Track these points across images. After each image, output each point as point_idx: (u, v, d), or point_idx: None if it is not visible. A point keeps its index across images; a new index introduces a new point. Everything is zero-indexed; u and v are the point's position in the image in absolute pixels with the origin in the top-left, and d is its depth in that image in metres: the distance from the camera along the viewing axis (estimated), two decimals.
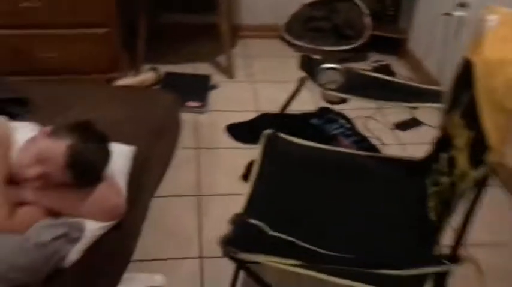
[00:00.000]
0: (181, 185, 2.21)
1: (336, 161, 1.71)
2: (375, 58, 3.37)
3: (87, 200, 1.43)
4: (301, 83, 1.71)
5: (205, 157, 2.40)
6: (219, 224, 1.89)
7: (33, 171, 1.37)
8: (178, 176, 2.23)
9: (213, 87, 2.94)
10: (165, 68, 3.00)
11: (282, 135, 1.78)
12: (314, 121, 2.53)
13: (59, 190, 1.43)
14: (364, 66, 3.26)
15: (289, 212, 1.45)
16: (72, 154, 1.36)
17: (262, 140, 1.75)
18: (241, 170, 2.32)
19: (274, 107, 2.84)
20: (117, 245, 1.59)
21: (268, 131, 1.78)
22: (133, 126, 1.97)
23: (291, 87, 2.95)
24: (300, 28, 3.51)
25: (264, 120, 2.62)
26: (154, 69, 2.91)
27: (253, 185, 1.56)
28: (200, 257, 1.90)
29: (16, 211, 1.38)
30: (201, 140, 2.51)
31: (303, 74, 1.68)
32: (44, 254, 1.28)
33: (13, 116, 1.90)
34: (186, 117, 2.32)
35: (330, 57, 3.23)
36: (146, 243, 1.81)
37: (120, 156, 1.60)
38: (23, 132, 1.53)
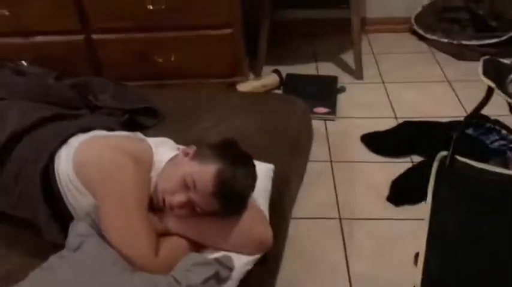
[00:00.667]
0: (317, 205, 1.96)
1: None
2: None
3: (233, 231, 1.24)
4: (489, 93, 1.38)
5: (340, 172, 2.12)
6: (367, 256, 1.74)
7: (179, 198, 1.21)
8: (312, 195, 1.98)
9: (341, 89, 2.65)
10: (286, 70, 2.77)
11: (459, 158, 1.46)
12: (469, 131, 2.15)
13: (203, 220, 1.25)
14: None
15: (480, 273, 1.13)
16: (222, 181, 1.19)
17: (435, 165, 1.44)
18: (383, 188, 2.02)
19: (413, 113, 2.55)
20: (261, 283, 1.38)
21: (443, 153, 1.46)
22: (267, 139, 1.76)
23: (428, 88, 2.61)
24: (433, 20, 3.09)
25: (407, 129, 2.29)
26: (276, 71, 2.68)
27: (430, 224, 1.26)
28: None
29: (160, 244, 1.22)
30: (333, 152, 2.24)
31: (487, 81, 1.34)
32: None
33: (144, 128, 1.78)
34: (314, 125, 2.06)
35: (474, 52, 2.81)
36: (286, 274, 1.59)
37: (260, 177, 1.38)
38: (162, 152, 1.37)
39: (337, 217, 1.92)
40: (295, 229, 1.75)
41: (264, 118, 1.87)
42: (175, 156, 1.33)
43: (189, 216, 1.25)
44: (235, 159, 1.24)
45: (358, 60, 2.72)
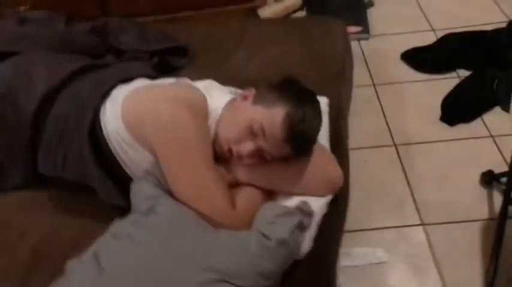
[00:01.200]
0: (369, 133, 1.86)
1: None
2: None
3: (305, 173, 1.15)
4: None
5: (386, 95, 2.00)
6: (430, 181, 1.67)
7: (248, 147, 1.11)
8: (362, 122, 1.87)
9: (369, 4, 2.45)
10: None
11: None
12: None
13: (274, 166, 1.15)
14: None
15: None
16: (292, 125, 1.08)
17: None
18: (433, 108, 1.91)
19: (450, 23, 2.34)
20: (334, 225, 1.30)
21: None
22: (312, 68, 1.61)
23: None
24: None
25: (450, 43, 2.14)
26: None
27: None
28: (422, 224, 1.58)
29: (234, 196, 1.12)
30: (374, 75, 2.10)
31: None
32: (288, 252, 1.05)
33: (176, 69, 1.63)
34: None
35: None
36: (351, 211, 1.52)
37: None
38: (215, 97, 1.23)
39: (392, 143, 1.83)
40: (351, 161, 1.66)
41: (303, 45, 1.71)
42: (233, 101, 1.20)
43: (259, 164, 1.15)
44: (301, 99, 1.13)
45: None
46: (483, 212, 1.59)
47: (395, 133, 1.86)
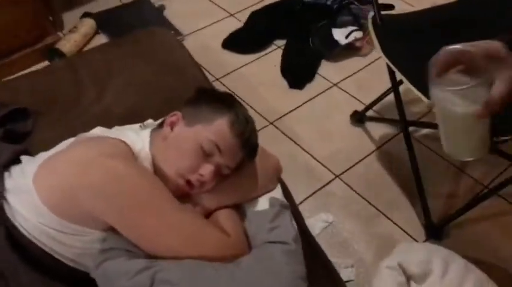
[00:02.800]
0: None
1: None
2: None
3: (259, 173, 1.15)
4: None
5: (233, 85, 2.06)
6: (317, 140, 1.83)
7: (207, 169, 1.03)
8: None
9: (161, 8, 2.43)
10: (93, 9, 2.36)
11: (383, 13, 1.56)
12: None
13: (232, 180, 1.12)
14: None
15: None
16: (241, 130, 1.06)
17: (370, 27, 1.51)
18: (278, 80, 2.06)
19: (240, 5, 2.57)
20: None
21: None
22: (176, 78, 1.56)
23: None
24: None
25: (257, 19, 2.30)
26: (87, 14, 2.26)
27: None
28: (336, 176, 1.71)
29: (217, 225, 1.06)
30: (212, 70, 2.10)
31: None
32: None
33: (24, 135, 1.36)
34: None
35: None
36: None
37: None
38: (130, 137, 1.09)
39: (268, 123, 1.92)
40: None
41: (146, 61, 1.61)
42: (157, 134, 1.09)
43: (217, 184, 1.08)
44: (230, 104, 1.10)
45: None
46: (371, 145, 1.83)
47: (264, 113, 1.94)
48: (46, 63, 2.08)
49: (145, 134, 1.08)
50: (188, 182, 1.02)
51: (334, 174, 1.73)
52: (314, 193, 1.68)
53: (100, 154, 0.95)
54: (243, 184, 1.11)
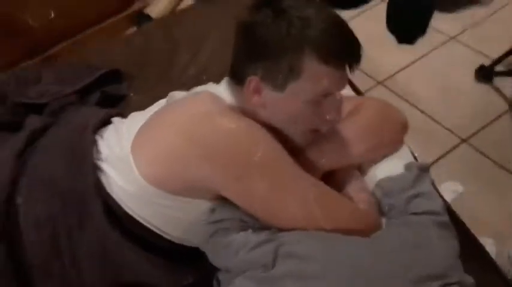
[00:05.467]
0: None
1: None
2: None
3: (386, 126, 0.94)
4: None
5: None
6: (436, 97, 1.52)
7: (332, 113, 0.82)
8: None
9: None
10: None
11: None
12: None
13: (352, 128, 0.90)
14: None
15: None
16: (333, 51, 0.78)
17: None
18: (385, 36, 1.83)
19: None
20: None
21: None
22: None
23: None
24: None
25: None
26: None
27: None
28: (463, 141, 1.47)
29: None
30: None
31: None
32: None
33: (121, 98, 1.25)
34: None
35: None
36: None
37: None
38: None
39: (376, 83, 1.69)
40: None
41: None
42: (241, 94, 0.84)
43: (334, 141, 0.89)
44: (293, 30, 0.78)
45: None
46: (503, 103, 1.55)
47: (371, 73, 1.72)
48: (135, 29, 2.01)
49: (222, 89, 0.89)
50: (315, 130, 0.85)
51: (460, 138, 1.49)
52: (437, 160, 1.45)
53: (205, 112, 0.80)
54: (367, 134, 0.90)
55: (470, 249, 0.95)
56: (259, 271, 0.76)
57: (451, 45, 1.78)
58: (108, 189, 0.83)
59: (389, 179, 0.90)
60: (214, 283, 0.84)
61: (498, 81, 1.62)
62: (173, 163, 0.79)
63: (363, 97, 1.17)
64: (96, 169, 0.83)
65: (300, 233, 0.78)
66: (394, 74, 1.71)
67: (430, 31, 1.85)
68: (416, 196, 0.86)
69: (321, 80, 0.78)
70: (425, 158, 1.43)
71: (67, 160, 0.87)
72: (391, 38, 1.85)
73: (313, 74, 0.77)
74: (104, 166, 0.84)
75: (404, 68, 1.73)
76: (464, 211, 1.32)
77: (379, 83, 1.69)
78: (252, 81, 0.80)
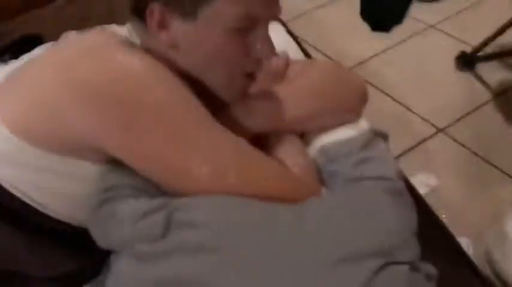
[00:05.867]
0: None
1: None
2: None
3: (340, 93, 0.77)
4: None
5: (309, 32, 1.68)
6: (414, 86, 1.36)
7: (264, 49, 0.65)
8: None
9: None
10: None
11: None
12: None
13: (292, 87, 0.74)
14: None
15: None
16: None
17: None
18: (355, 24, 1.67)
19: None
20: None
21: None
22: None
23: None
24: None
25: None
26: None
27: None
28: (439, 130, 1.29)
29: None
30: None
31: None
32: None
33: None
34: None
35: None
36: None
37: None
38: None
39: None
40: None
41: None
42: (146, 33, 0.66)
43: (271, 99, 0.71)
44: None
45: None
46: (486, 92, 1.39)
47: (340, 58, 1.55)
48: None
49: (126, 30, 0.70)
50: (249, 74, 0.67)
51: (436, 127, 1.31)
52: (410, 149, 1.26)
53: (90, 45, 0.62)
54: (308, 98, 0.72)
55: (443, 243, 0.78)
56: (145, 246, 0.57)
57: (430, 33, 1.62)
58: None
59: (335, 144, 0.72)
60: (104, 268, 0.65)
61: (480, 68, 1.45)
62: (45, 108, 0.59)
63: (314, 60, 1.00)
64: None
65: (203, 198, 0.58)
66: (364, 61, 1.54)
67: (407, 19, 1.70)
68: (364, 160, 0.67)
69: None
70: (396, 148, 1.25)
71: None
72: (363, 26, 1.70)
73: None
74: None
75: (376, 55, 1.56)
76: (439, 205, 1.14)
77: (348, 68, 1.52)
78: (154, 11, 0.61)
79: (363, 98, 0.81)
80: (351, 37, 1.63)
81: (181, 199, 0.58)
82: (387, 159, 0.70)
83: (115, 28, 0.71)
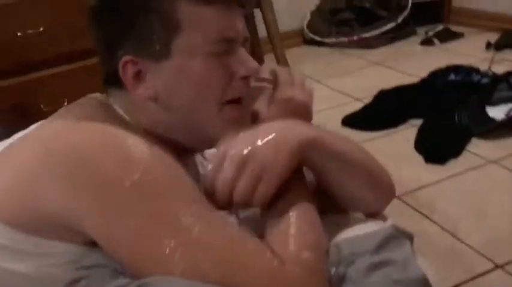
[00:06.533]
0: None
1: None
2: (424, 29, 2.87)
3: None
4: None
5: None
6: (469, 220, 1.25)
7: (247, 62, 0.67)
8: None
9: None
10: None
11: None
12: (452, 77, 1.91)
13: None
14: (415, 40, 2.78)
15: None
16: None
17: None
18: (411, 155, 1.60)
19: (368, 92, 2.16)
20: None
21: None
22: None
23: (362, 73, 2.41)
24: (325, 24, 2.96)
25: (388, 97, 1.95)
26: None
27: None
28: (497, 266, 1.09)
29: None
30: None
31: None
32: None
33: None
34: None
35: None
36: None
37: None
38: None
39: None
40: None
41: None
42: (125, 99, 0.67)
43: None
44: None
45: (286, 66, 2.36)
46: None
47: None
48: None
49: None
50: (232, 101, 0.65)
51: (494, 263, 1.11)
52: (462, 283, 1.07)
53: (69, 122, 0.62)
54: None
55: None
56: None
57: (490, 167, 1.49)
58: None
59: (350, 240, 0.63)
60: None
61: None
62: (23, 183, 0.58)
63: None
64: None
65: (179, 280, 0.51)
66: (416, 190, 1.42)
67: (465, 153, 1.60)
68: (383, 264, 0.58)
69: (208, 22, 0.60)
70: (446, 281, 1.07)
71: None
72: (416, 157, 1.61)
73: (194, 18, 0.60)
74: None
75: (427, 185, 1.44)
76: None
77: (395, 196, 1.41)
78: (127, 63, 0.62)
79: (392, 191, 0.76)
80: (405, 167, 1.55)
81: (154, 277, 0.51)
82: (412, 263, 0.59)
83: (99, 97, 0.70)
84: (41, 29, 1.61)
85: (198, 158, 0.78)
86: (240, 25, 0.64)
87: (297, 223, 0.60)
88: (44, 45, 1.62)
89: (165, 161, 0.57)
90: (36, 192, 0.56)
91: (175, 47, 0.60)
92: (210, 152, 0.78)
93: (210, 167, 0.61)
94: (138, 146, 0.56)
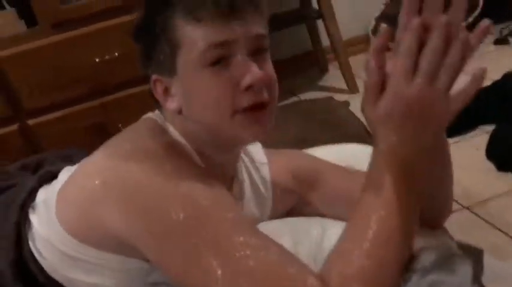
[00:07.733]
0: None
1: None
2: (498, 27, 2.73)
3: None
4: None
5: None
6: None
7: (251, 69, 0.66)
8: None
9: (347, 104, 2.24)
10: None
11: None
12: None
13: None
14: (488, 40, 2.65)
15: None
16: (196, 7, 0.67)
17: None
18: (481, 163, 1.55)
19: None
20: None
21: None
22: None
23: None
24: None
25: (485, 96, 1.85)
26: None
27: None
28: None
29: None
30: None
31: None
32: None
33: None
34: None
35: None
36: None
37: None
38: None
39: (461, 207, 1.37)
40: None
41: None
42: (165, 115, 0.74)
43: None
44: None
45: (349, 74, 2.36)
46: None
47: (457, 197, 1.41)
48: None
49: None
50: (248, 108, 0.66)
51: None
52: None
53: (130, 148, 0.69)
54: None
55: None
56: None
57: None
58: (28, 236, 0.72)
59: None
60: None
61: None
62: (86, 207, 0.67)
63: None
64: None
65: None
66: (485, 200, 1.38)
67: None
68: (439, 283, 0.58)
69: (199, 35, 0.64)
70: None
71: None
72: (488, 165, 1.55)
73: (189, 34, 0.64)
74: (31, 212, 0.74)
75: (501, 195, 1.39)
76: None
77: (464, 207, 1.37)
78: (156, 82, 0.69)
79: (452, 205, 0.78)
80: (475, 175, 1.50)
81: None
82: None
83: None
84: (116, 54, 1.74)
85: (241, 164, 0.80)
86: (241, 28, 0.64)
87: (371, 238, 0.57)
88: (119, 69, 1.75)
89: (207, 190, 0.63)
90: (96, 212, 0.65)
91: (179, 63, 0.66)
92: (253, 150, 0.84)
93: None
94: (179, 181, 0.63)
